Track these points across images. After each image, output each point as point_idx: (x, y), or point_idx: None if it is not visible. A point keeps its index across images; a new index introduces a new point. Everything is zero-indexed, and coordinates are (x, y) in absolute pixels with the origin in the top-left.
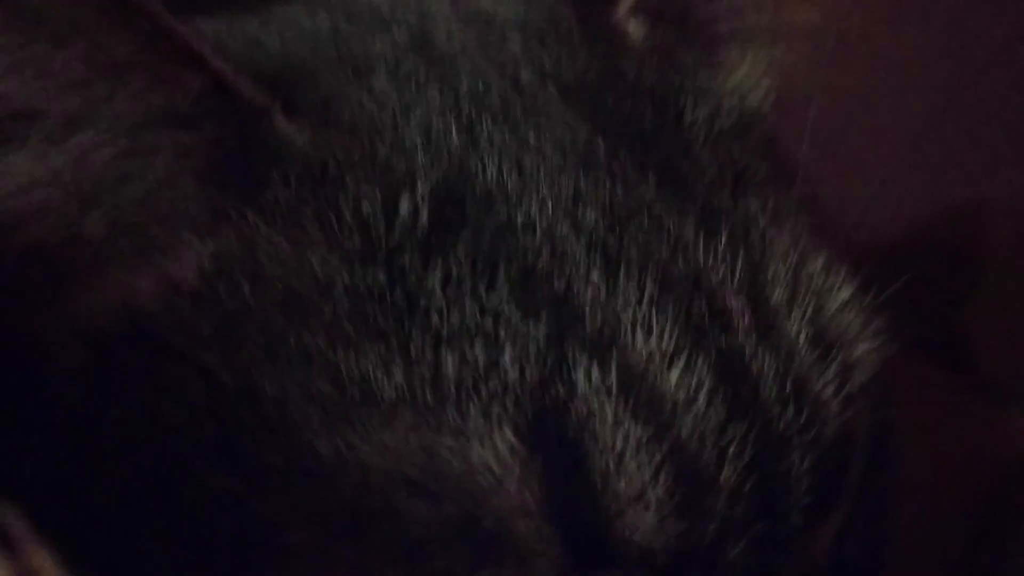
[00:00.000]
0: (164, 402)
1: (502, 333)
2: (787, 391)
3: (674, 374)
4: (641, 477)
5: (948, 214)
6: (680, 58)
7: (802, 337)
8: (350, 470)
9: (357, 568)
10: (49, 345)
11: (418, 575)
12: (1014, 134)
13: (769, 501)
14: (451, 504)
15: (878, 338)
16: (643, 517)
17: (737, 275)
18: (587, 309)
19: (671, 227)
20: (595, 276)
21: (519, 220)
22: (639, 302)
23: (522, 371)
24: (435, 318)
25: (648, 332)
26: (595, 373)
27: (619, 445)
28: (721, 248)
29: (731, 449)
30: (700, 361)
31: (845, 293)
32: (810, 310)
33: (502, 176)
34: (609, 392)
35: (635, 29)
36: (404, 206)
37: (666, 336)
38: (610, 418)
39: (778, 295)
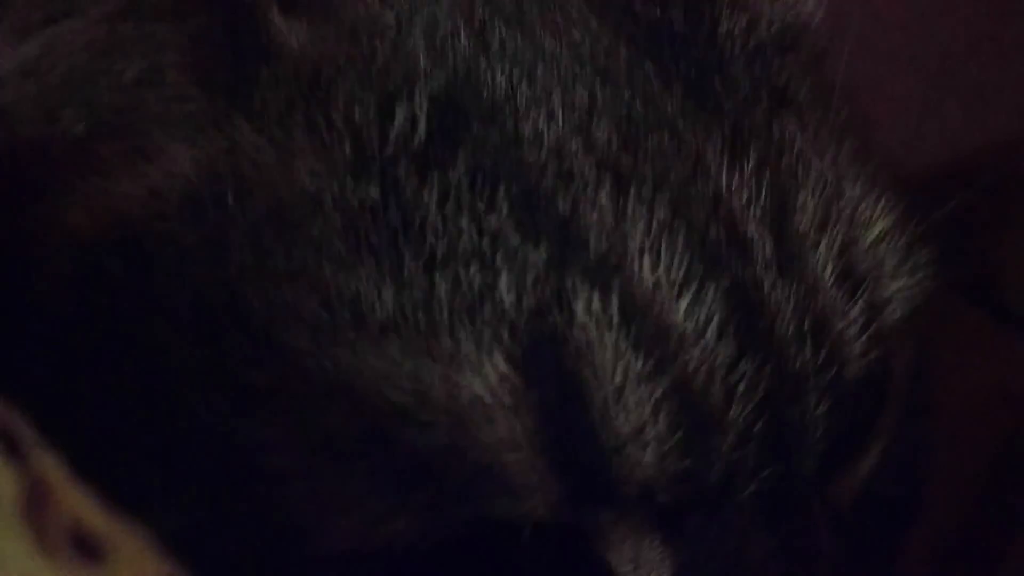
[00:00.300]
0: (151, 316)
1: (499, 256)
2: (806, 328)
3: (682, 305)
4: (641, 412)
5: (986, 147)
6: None
7: (828, 271)
8: (338, 394)
9: (342, 494)
10: (39, 253)
11: (403, 504)
12: None
13: (781, 445)
14: (440, 433)
15: (916, 274)
16: (643, 454)
17: (762, 201)
18: (592, 233)
19: (693, 146)
20: (603, 197)
21: (526, 134)
22: (649, 227)
23: (519, 298)
24: (430, 238)
25: (657, 259)
26: (596, 302)
27: (619, 378)
28: (747, 171)
29: (741, 387)
30: (712, 292)
31: (881, 226)
32: (840, 242)
33: (512, 85)
34: (610, 322)
35: None
36: (400, 114)
37: (676, 264)
38: (610, 349)
39: (805, 225)
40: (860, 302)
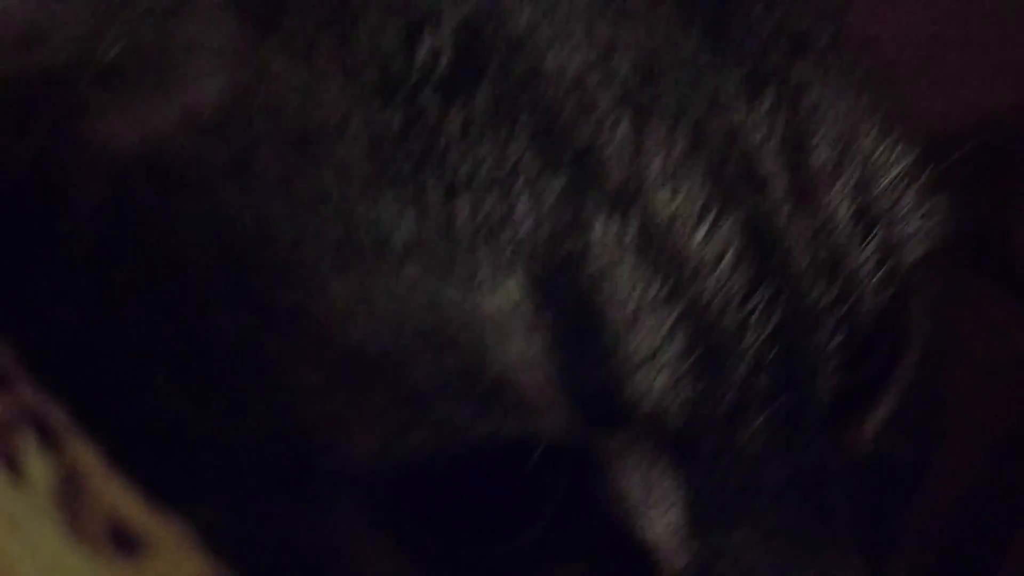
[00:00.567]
0: (180, 239)
1: (518, 183)
2: (820, 261)
3: (699, 234)
4: (656, 335)
5: (1003, 111)
6: None
7: (844, 208)
8: (358, 315)
9: (360, 411)
10: (70, 178)
11: (419, 422)
12: None
13: (794, 375)
14: (456, 355)
15: (931, 218)
16: (655, 378)
17: (777, 138)
18: (611, 163)
19: (711, 84)
20: (622, 129)
21: (547, 67)
22: (667, 158)
23: (537, 223)
24: (451, 165)
25: (675, 189)
26: (614, 227)
27: (635, 301)
28: (764, 109)
29: (755, 315)
30: (729, 222)
31: (897, 169)
32: (856, 181)
33: (536, 18)
34: (628, 247)
35: None
36: (425, 43)
37: (694, 195)
38: (627, 273)
39: (822, 163)
40: (875, 240)
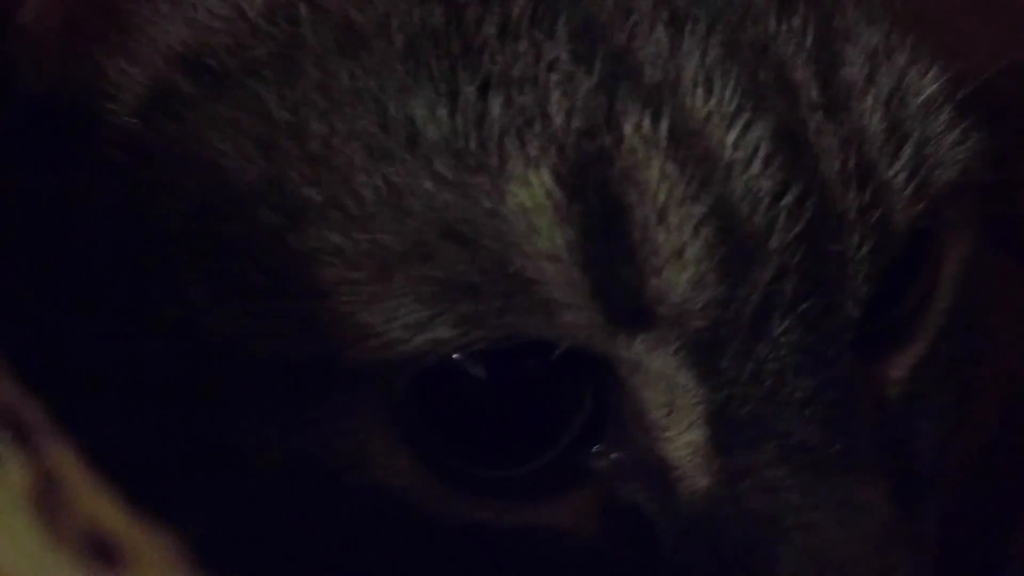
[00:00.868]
0: (216, 135)
1: (552, 79)
2: (850, 169)
3: (731, 136)
4: (682, 232)
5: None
6: None
7: (875, 119)
8: (387, 210)
9: (387, 300)
10: (113, 83)
11: (444, 313)
12: None
13: (821, 281)
14: (483, 248)
15: (964, 141)
16: (680, 275)
17: (809, 51)
18: (646, 64)
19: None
20: (659, 32)
21: None
22: (702, 61)
23: (568, 118)
24: (487, 64)
25: (709, 92)
26: (646, 124)
27: (663, 197)
28: (796, 22)
29: (782, 218)
30: (760, 126)
31: (931, 89)
32: (886, 95)
33: None
34: (659, 144)
35: None
36: None
37: (727, 97)
38: (656, 170)
39: (853, 76)
40: (907, 154)
